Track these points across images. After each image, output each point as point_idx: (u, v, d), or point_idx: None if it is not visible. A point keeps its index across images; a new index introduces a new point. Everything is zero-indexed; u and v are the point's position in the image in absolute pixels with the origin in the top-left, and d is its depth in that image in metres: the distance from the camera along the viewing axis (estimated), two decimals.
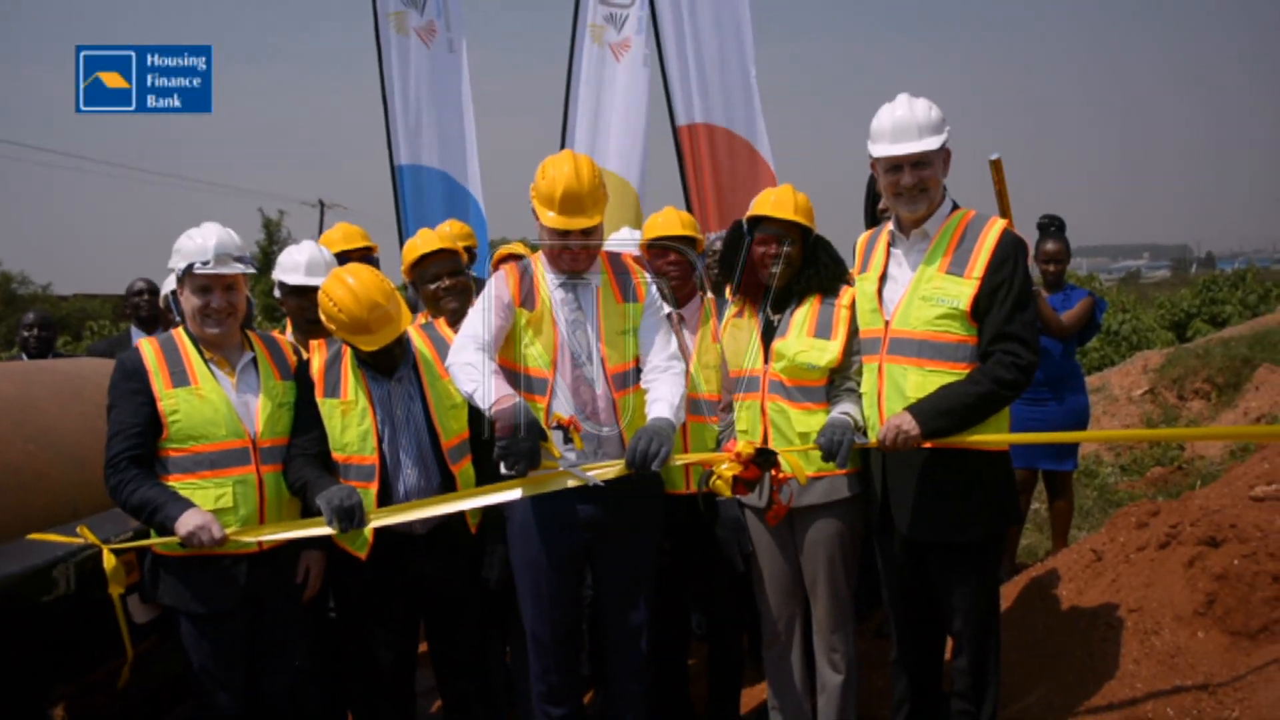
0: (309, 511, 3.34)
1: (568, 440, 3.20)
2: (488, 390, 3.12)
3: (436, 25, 6.58)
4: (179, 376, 3.26)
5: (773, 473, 3.34)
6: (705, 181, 5.81)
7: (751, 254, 3.62)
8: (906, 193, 3.22)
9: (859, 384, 3.44)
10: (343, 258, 4.67)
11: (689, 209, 6.11)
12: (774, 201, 3.58)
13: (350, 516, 3.14)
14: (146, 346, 3.32)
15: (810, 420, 3.47)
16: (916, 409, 3.12)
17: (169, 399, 3.22)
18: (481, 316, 3.35)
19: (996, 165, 3.99)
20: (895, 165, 3.21)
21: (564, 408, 3.34)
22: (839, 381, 3.50)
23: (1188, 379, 9.97)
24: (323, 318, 3.44)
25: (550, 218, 3.30)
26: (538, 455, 3.04)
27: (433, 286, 4.03)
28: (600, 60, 6.61)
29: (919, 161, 3.17)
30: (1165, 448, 8.83)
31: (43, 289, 30.82)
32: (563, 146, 6.80)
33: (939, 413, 3.10)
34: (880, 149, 3.23)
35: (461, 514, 3.53)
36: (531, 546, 3.45)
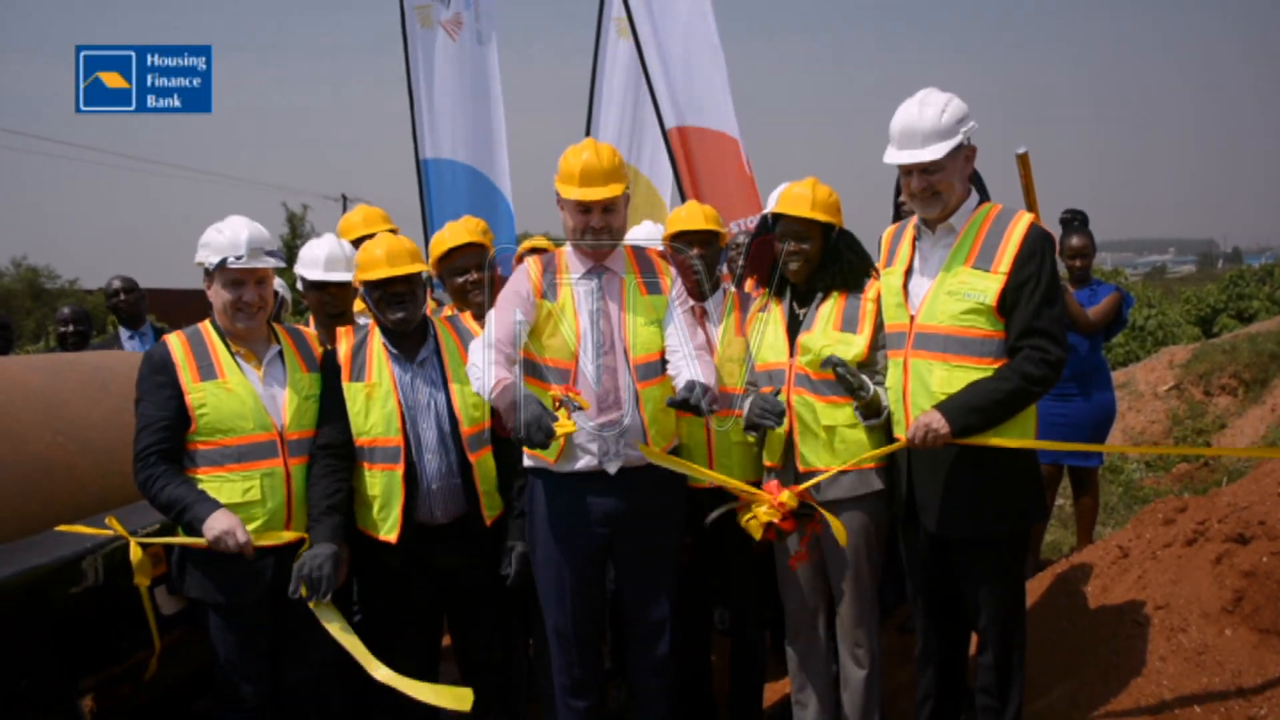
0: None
1: (576, 408, 3.19)
2: (487, 379, 3.17)
3: (464, 18, 6.54)
4: (206, 370, 3.29)
5: (810, 526, 3.30)
6: (698, 182, 5.80)
7: (773, 249, 3.62)
8: (918, 195, 3.22)
9: (885, 378, 3.44)
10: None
11: None
12: (793, 198, 3.57)
13: (315, 587, 3.19)
14: (174, 340, 3.35)
15: (836, 414, 3.47)
16: (945, 406, 3.11)
17: (196, 392, 3.25)
18: (496, 315, 3.39)
19: (1023, 160, 3.95)
20: (906, 169, 3.21)
21: (585, 397, 3.34)
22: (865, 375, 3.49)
23: (1214, 375, 9.89)
24: (357, 262, 3.62)
25: (571, 191, 3.37)
26: (547, 421, 2.99)
27: (460, 280, 4.05)
28: (631, 54, 6.55)
29: (927, 167, 3.16)
30: (1191, 443, 8.76)
31: (70, 283, 31.01)
32: (587, 134, 6.78)
33: (968, 410, 3.09)
34: (889, 154, 3.24)
35: (476, 506, 3.57)
36: (553, 541, 3.47)
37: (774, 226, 3.63)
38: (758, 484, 3.64)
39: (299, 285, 4.25)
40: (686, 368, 3.37)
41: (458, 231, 4.15)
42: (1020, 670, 3.30)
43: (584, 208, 3.38)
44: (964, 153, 3.19)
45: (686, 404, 3.11)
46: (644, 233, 4.76)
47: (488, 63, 6.73)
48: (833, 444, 3.49)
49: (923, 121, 3.15)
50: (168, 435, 3.22)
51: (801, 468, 3.54)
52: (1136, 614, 3.72)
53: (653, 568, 3.54)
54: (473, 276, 4.02)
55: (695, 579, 3.89)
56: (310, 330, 3.71)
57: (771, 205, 3.78)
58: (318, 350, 3.58)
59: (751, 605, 4.02)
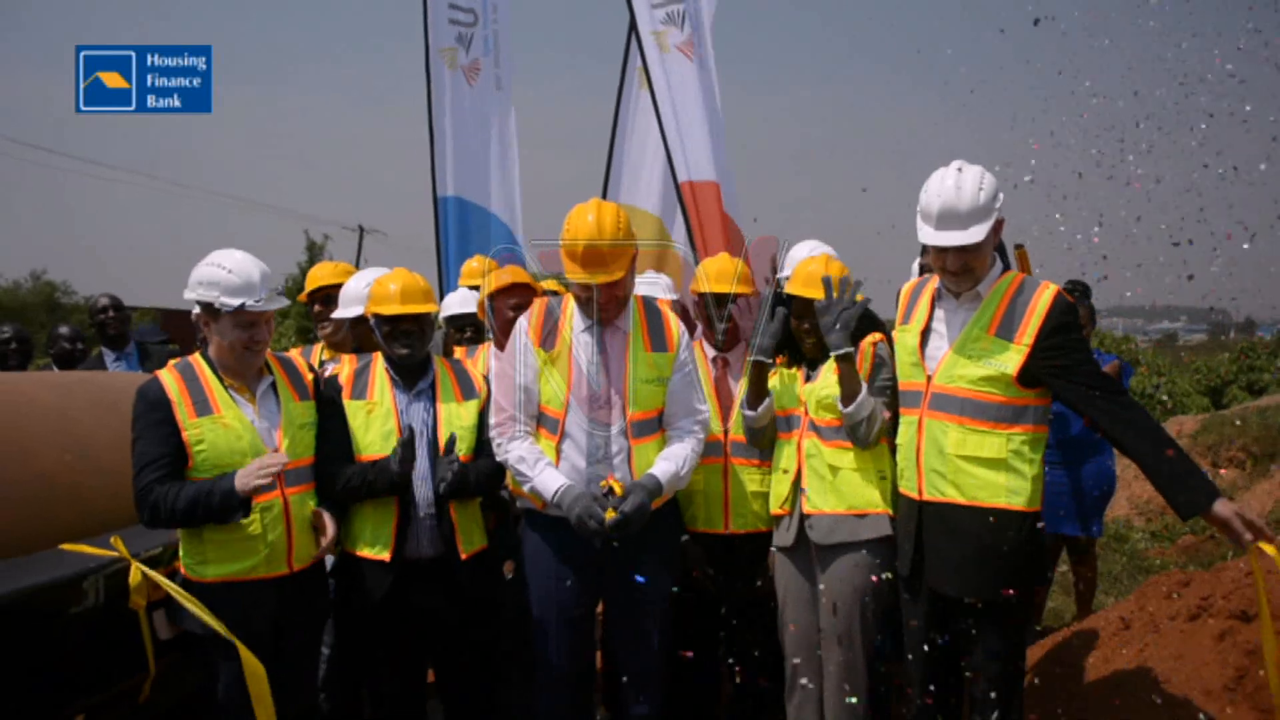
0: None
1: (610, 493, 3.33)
2: (540, 481, 3.38)
3: (483, 63, 6.67)
4: (202, 406, 3.25)
5: None
6: (709, 237, 5.88)
7: (788, 324, 3.70)
8: (952, 273, 3.20)
9: (875, 415, 3.47)
10: (327, 292, 4.67)
11: (695, 261, 6.09)
12: (809, 278, 3.62)
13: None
14: (167, 377, 3.29)
15: (841, 457, 3.54)
16: (1209, 490, 2.88)
17: (194, 429, 3.21)
18: (510, 381, 3.49)
19: (1021, 254, 4.05)
20: (942, 248, 3.16)
21: (573, 448, 3.42)
22: None
23: (1223, 447, 9.84)
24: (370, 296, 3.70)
25: (574, 272, 3.36)
26: (597, 511, 3.26)
27: (510, 315, 4.13)
28: (647, 103, 6.61)
29: (966, 247, 3.12)
30: None
31: (85, 299, 31.17)
32: (606, 181, 6.85)
33: (1199, 472, 2.94)
34: (925, 233, 3.17)
35: (453, 541, 3.57)
36: (543, 584, 3.50)
37: (789, 302, 3.68)
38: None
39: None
40: (672, 445, 3.50)
41: (513, 270, 4.30)
42: None
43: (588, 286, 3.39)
44: (995, 225, 3.15)
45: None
46: (650, 282, 4.80)
47: (505, 107, 6.84)
48: (837, 485, 3.54)
49: (962, 201, 3.09)
50: (168, 473, 3.17)
51: (807, 509, 3.59)
52: (1137, 687, 3.69)
53: (641, 617, 3.53)
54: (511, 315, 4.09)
55: (704, 626, 3.89)
56: (299, 358, 3.73)
57: (784, 272, 3.84)
58: (308, 377, 3.59)
59: (753, 653, 4.00)
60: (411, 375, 3.67)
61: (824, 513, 3.56)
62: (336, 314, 4.25)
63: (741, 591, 3.90)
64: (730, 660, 4.07)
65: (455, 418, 3.64)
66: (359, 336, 4.18)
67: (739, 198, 6.07)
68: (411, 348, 3.61)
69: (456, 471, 3.45)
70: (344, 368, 3.69)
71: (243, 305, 3.25)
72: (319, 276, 4.77)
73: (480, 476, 3.57)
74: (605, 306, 3.42)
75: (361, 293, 4.18)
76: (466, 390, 3.72)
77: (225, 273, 3.27)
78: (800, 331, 3.67)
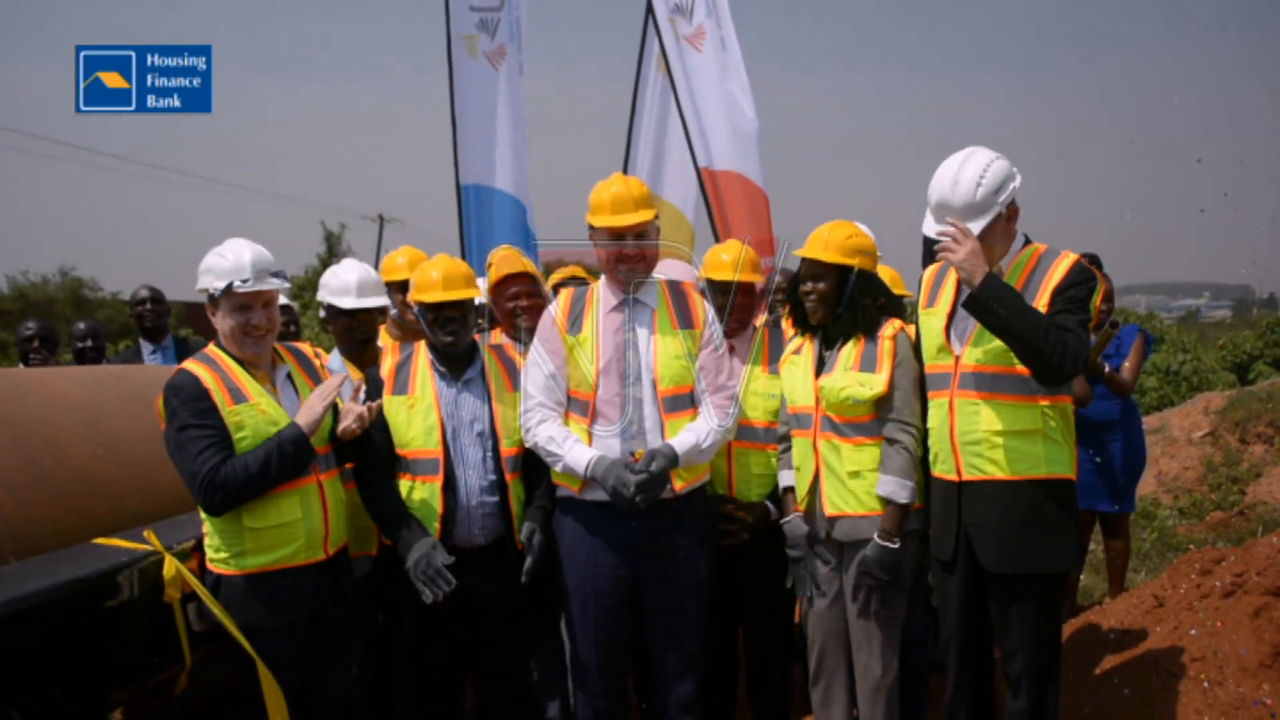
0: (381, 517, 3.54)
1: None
2: (570, 457, 3.41)
3: (508, 49, 6.61)
4: (236, 394, 3.25)
5: None
6: (728, 222, 5.84)
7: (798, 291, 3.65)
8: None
9: (911, 427, 3.41)
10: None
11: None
12: (810, 239, 3.58)
13: (436, 582, 3.35)
14: (197, 368, 3.27)
15: (861, 456, 3.45)
16: (993, 277, 3.02)
17: (233, 416, 3.21)
18: (538, 369, 3.52)
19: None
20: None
21: (605, 428, 3.45)
22: (885, 414, 3.45)
23: (1250, 422, 9.77)
24: (412, 282, 3.69)
25: (603, 219, 3.45)
26: (628, 478, 3.31)
27: (510, 305, 4.14)
28: (664, 88, 6.57)
29: None
30: (1225, 491, 8.66)
31: (113, 295, 31.11)
32: (625, 168, 6.82)
33: (1003, 295, 3.00)
34: (927, 223, 3.22)
35: (510, 529, 3.58)
36: (579, 570, 3.50)
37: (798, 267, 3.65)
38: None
39: (322, 312, 4.28)
40: (699, 418, 3.50)
41: (511, 260, 4.22)
42: (1054, 716, 3.26)
43: (617, 234, 3.45)
44: (1004, 217, 3.14)
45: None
46: (674, 271, 4.78)
47: (524, 93, 6.79)
48: (855, 488, 3.47)
49: (957, 196, 3.11)
50: (228, 453, 3.17)
51: (829, 511, 3.53)
52: (1171, 665, 3.67)
53: (678, 603, 3.53)
54: (522, 302, 4.10)
55: (720, 613, 3.89)
56: (307, 345, 3.73)
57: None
58: (317, 363, 3.60)
59: (771, 641, 3.99)
60: (458, 364, 3.67)
61: (845, 514, 3.49)
62: (338, 303, 4.19)
63: (753, 583, 3.90)
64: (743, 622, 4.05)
65: (511, 405, 3.64)
66: (352, 329, 4.17)
67: (768, 184, 6.03)
68: (456, 335, 3.61)
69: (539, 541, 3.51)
70: (385, 360, 3.70)
71: (230, 286, 3.24)
72: (391, 269, 4.78)
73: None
74: (634, 262, 3.46)
75: (348, 282, 4.17)
76: (516, 380, 3.69)
77: (219, 258, 3.29)
78: (803, 294, 3.57)
